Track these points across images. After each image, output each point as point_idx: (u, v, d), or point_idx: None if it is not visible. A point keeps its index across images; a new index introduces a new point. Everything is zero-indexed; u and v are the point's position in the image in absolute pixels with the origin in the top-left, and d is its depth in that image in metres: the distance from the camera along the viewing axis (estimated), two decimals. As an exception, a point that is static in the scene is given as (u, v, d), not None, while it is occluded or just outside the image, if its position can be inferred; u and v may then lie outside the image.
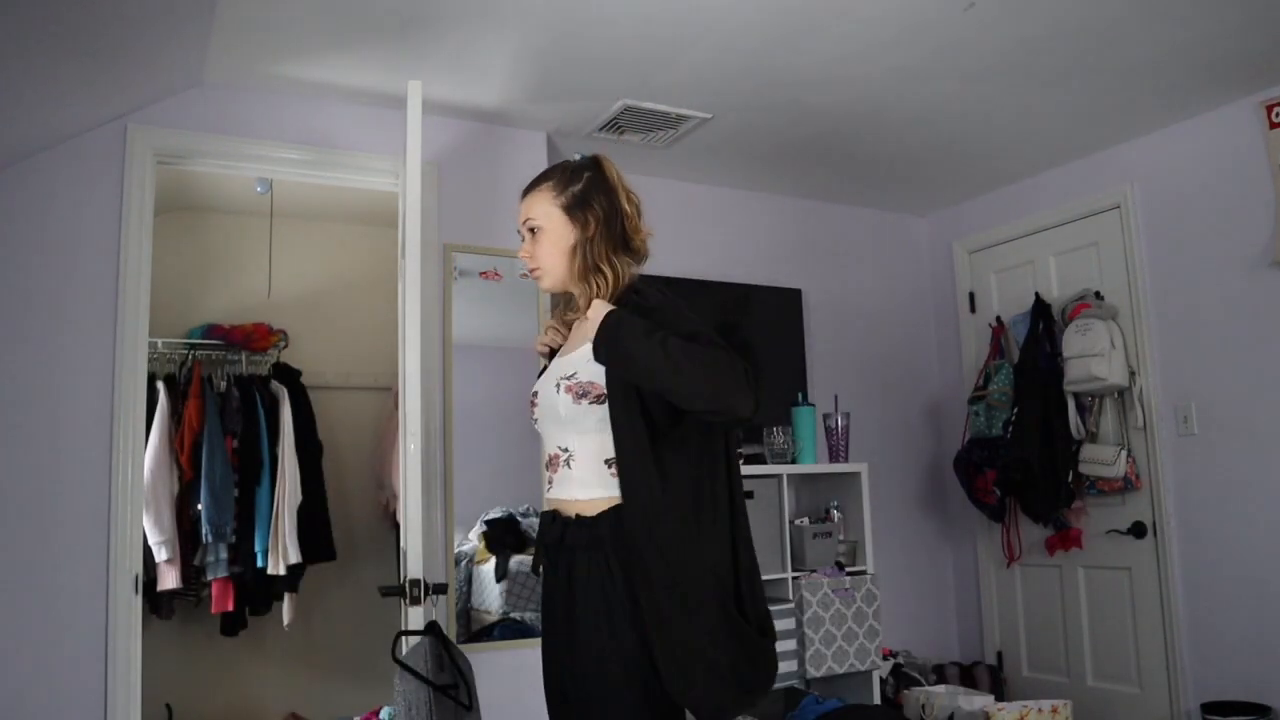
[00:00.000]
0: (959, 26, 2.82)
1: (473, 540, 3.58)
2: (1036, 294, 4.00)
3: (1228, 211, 3.44)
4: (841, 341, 4.39)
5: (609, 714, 1.61)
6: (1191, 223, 3.56)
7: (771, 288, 4.20)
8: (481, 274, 3.37)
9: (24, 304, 2.74)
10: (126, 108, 2.88)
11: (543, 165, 3.39)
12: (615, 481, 1.69)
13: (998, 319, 4.24)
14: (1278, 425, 3.28)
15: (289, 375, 4.05)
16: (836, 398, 3.97)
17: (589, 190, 1.80)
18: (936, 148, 3.82)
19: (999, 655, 4.24)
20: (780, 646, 3.40)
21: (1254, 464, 3.34)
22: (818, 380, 4.23)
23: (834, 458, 3.83)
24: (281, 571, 3.69)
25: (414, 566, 2.24)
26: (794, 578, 3.55)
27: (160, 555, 3.47)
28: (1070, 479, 3.75)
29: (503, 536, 3.56)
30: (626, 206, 1.82)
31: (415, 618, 2.20)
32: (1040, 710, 3.41)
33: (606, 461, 1.70)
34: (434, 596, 2.34)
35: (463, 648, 2.38)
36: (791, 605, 3.48)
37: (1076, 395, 3.76)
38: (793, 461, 3.72)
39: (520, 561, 3.46)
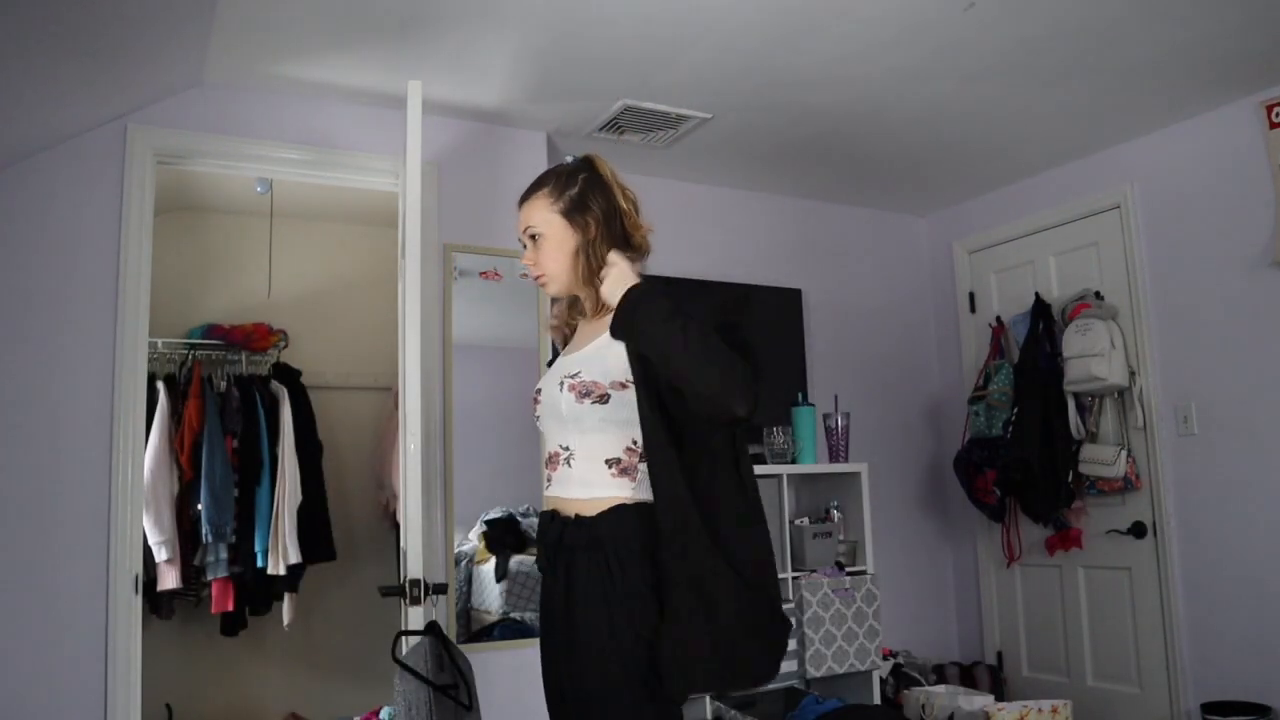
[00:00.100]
0: (959, 26, 2.82)
1: (473, 540, 3.58)
2: (1036, 294, 4.00)
3: (1228, 211, 3.44)
4: (841, 341, 4.40)
5: (608, 714, 1.61)
6: (1191, 223, 3.56)
7: (771, 288, 4.20)
8: (481, 274, 3.37)
9: (24, 304, 2.74)
10: (126, 108, 2.88)
11: (543, 165, 3.40)
12: (616, 481, 1.69)
13: (998, 319, 4.24)
14: (1278, 425, 3.28)
15: (289, 375, 4.04)
16: (836, 398, 3.97)
17: (586, 192, 1.80)
18: (936, 148, 3.82)
19: (999, 655, 4.24)
20: (780, 646, 3.43)
21: (1254, 464, 3.34)
22: (818, 380, 4.23)
23: (834, 458, 3.83)
24: (281, 571, 3.69)
25: (414, 566, 2.24)
26: (794, 578, 3.55)
27: (160, 555, 3.47)
28: (1070, 479, 3.75)
29: (503, 536, 3.56)
30: (623, 204, 1.82)
31: (415, 618, 2.20)
32: (1040, 710, 3.41)
33: (607, 461, 1.70)
34: (434, 596, 2.34)
35: (463, 648, 2.38)
36: (791, 605, 3.48)
37: (1076, 395, 3.76)
38: (793, 461, 3.72)
39: (520, 561, 3.46)
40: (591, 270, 1.78)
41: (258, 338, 4.07)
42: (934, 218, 4.70)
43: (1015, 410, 3.87)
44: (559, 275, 1.82)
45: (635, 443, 1.70)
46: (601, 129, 3.52)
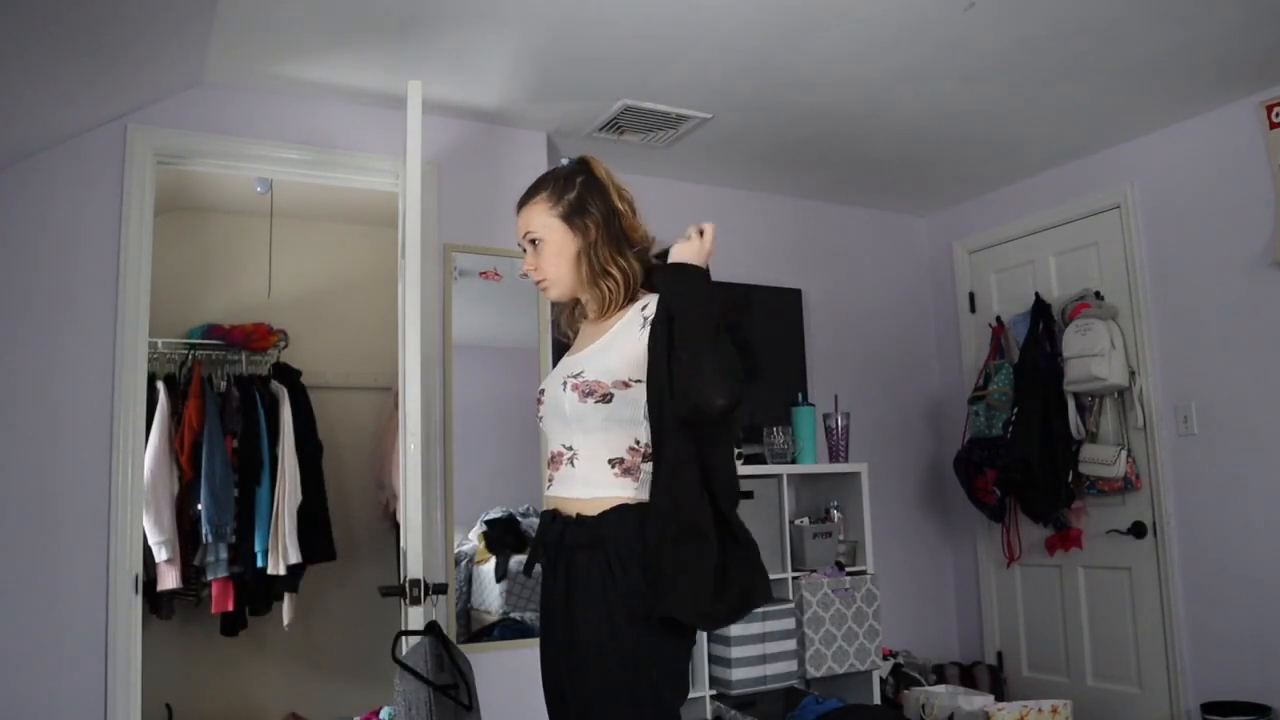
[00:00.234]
0: (959, 26, 2.82)
1: (473, 540, 3.58)
2: (1036, 294, 4.00)
3: (1228, 211, 3.44)
4: (841, 341, 4.39)
5: (608, 713, 1.62)
6: (1191, 223, 3.56)
7: (771, 288, 4.20)
8: (481, 274, 3.37)
9: (24, 304, 2.74)
10: (126, 108, 2.88)
11: (543, 165, 3.40)
12: (619, 481, 1.69)
13: (998, 319, 4.24)
14: (1278, 425, 3.28)
15: (289, 375, 4.04)
16: (836, 398, 3.97)
17: (584, 195, 1.81)
18: (936, 148, 3.82)
19: (999, 655, 4.24)
20: (780, 646, 3.44)
21: (1254, 464, 3.34)
22: (818, 380, 4.23)
23: (834, 458, 3.83)
24: (281, 571, 3.69)
25: (414, 566, 2.24)
26: (794, 578, 3.55)
27: (160, 555, 3.47)
28: (1070, 479, 3.75)
29: (503, 536, 3.56)
30: (620, 204, 1.83)
31: (415, 618, 2.20)
32: (1040, 710, 3.41)
33: (610, 461, 1.71)
34: (434, 596, 2.34)
35: (463, 648, 2.38)
36: (791, 605, 3.48)
37: (1076, 395, 3.76)
38: (793, 461, 3.72)
39: (520, 561, 3.46)
40: (594, 273, 1.79)
41: (258, 338, 4.07)
42: (934, 218, 4.70)
43: (1015, 410, 3.87)
44: (560, 279, 1.83)
45: (638, 442, 1.70)
46: (601, 129, 3.52)
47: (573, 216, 1.80)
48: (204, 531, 3.57)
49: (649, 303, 1.74)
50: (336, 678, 4.21)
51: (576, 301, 1.89)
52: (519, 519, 3.61)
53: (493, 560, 3.50)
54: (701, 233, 1.73)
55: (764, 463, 3.70)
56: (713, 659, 3.39)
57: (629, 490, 1.69)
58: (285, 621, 3.85)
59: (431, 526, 3.07)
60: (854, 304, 4.47)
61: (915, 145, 3.78)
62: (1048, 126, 3.62)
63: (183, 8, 2.50)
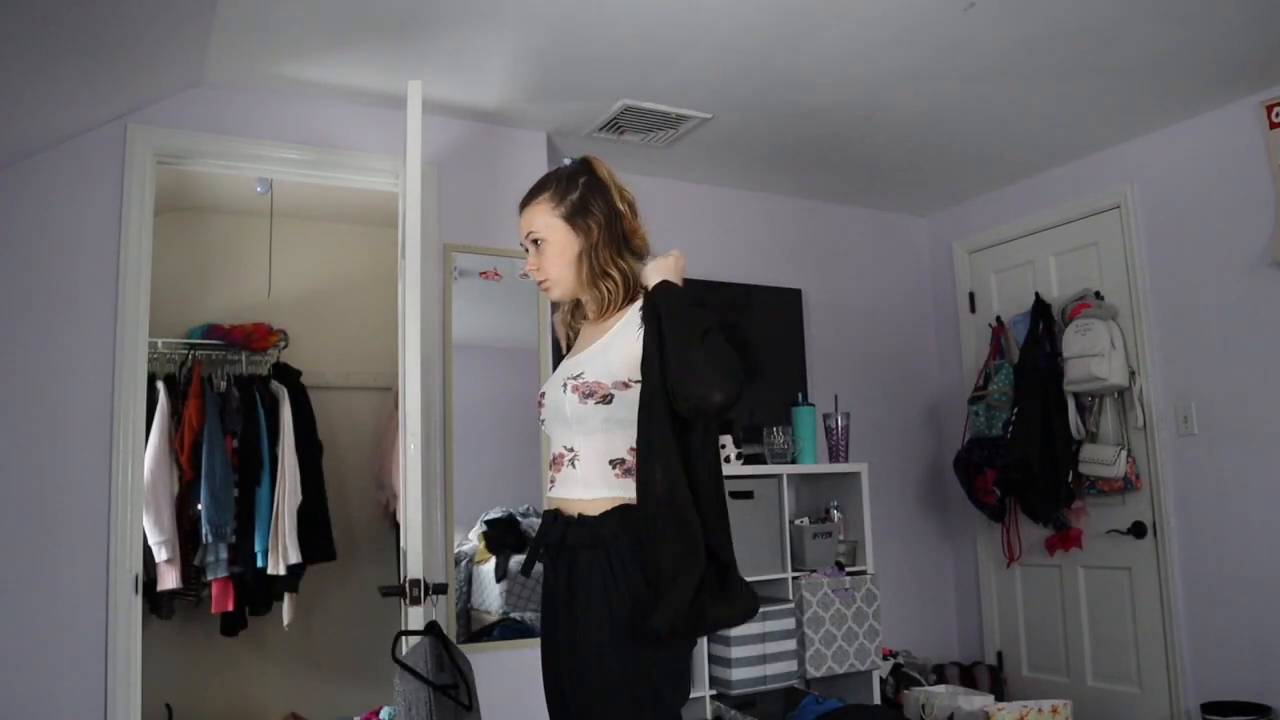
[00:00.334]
0: (959, 26, 2.82)
1: (473, 540, 3.58)
2: (1036, 294, 4.00)
3: (1228, 211, 3.43)
4: (841, 341, 4.39)
5: (609, 713, 1.62)
6: (1191, 223, 3.56)
7: (771, 288, 4.20)
8: (481, 274, 3.37)
9: (24, 304, 2.74)
10: (126, 108, 2.88)
11: (543, 165, 3.40)
12: (620, 482, 1.70)
13: (998, 319, 4.24)
14: (1278, 425, 3.28)
15: (289, 375, 4.04)
16: (836, 398, 3.97)
17: (587, 196, 1.81)
18: (936, 148, 3.82)
19: (999, 655, 4.24)
20: (780, 646, 3.44)
21: (1254, 464, 3.34)
22: (818, 380, 4.23)
23: (834, 458, 3.83)
24: (281, 571, 3.69)
25: (414, 566, 2.24)
26: (794, 578, 3.55)
27: (160, 555, 3.47)
28: (1070, 479, 3.75)
29: (503, 536, 3.56)
30: (621, 206, 1.83)
31: (415, 618, 2.20)
32: (1040, 710, 3.41)
33: (611, 462, 1.71)
34: (434, 596, 2.34)
35: (463, 648, 2.38)
36: (791, 605, 3.48)
37: (1076, 395, 3.76)
38: (793, 461, 3.72)
39: (520, 562, 3.46)
40: (594, 274, 1.79)
41: (258, 338, 4.07)
42: (934, 218, 4.70)
43: (1015, 410, 3.87)
44: (562, 280, 1.83)
45: None
46: (601, 129, 3.52)
47: (575, 217, 1.80)
48: (204, 531, 3.57)
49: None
50: (336, 678, 4.21)
51: (577, 302, 1.89)
52: (519, 519, 3.61)
53: (493, 560, 3.50)
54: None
55: (764, 463, 3.70)
56: (713, 659, 3.39)
57: (630, 491, 1.68)
58: (285, 621, 3.85)
59: (431, 526, 3.07)
60: (854, 304, 4.47)
61: (915, 145, 3.78)
62: (1048, 126, 3.62)
63: (183, 8, 2.50)
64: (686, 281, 1.78)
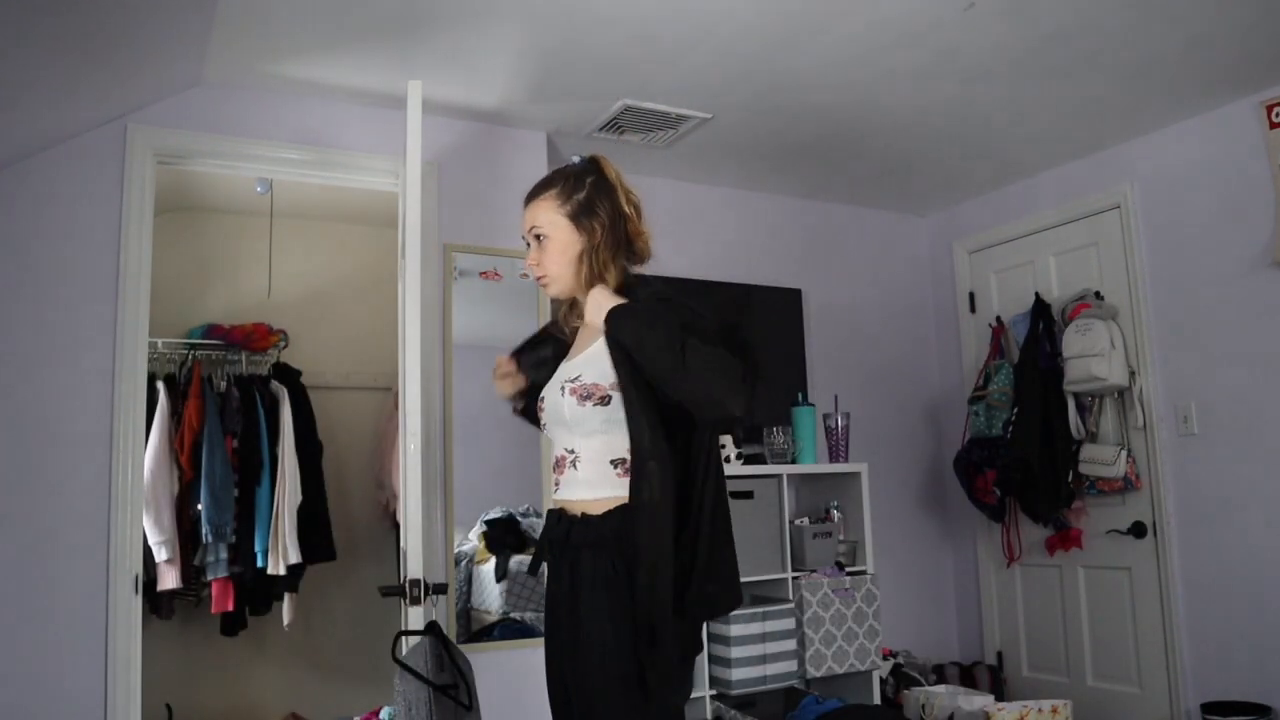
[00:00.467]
0: (959, 27, 2.82)
1: (473, 540, 3.58)
2: (1036, 294, 4.00)
3: (1228, 212, 3.43)
4: (841, 341, 4.39)
5: (611, 711, 1.62)
6: (1191, 223, 3.56)
7: (771, 288, 4.20)
8: (481, 274, 3.37)
9: (24, 304, 2.74)
10: (126, 107, 2.88)
11: (543, 165, 3.40)
12: (621, 482, 1.70)
13: (998, 319, 4.23)
14: (1278, 425, 3.28)
15: (289, 375, 4.04)
16: (836, 398, 3.97)
17: (593, 196, 1.80)
18: (937, 148, 3.82)
19: (999, 655, 4.24)
20: (780, 647, 3.44)
21: (1254, 464, 3.34)
22: (818, 380, 4.23)
23: (834, 458, 3.83)
24: (281, 571, 3.69)
25: (414, 566, 2.24)
26: (794, 578, 3.55)
27: (160, 555, 3.47)
28: (1070, 479, 3.75)
29: (503, 536, 3.56)
30: (627, 208, 1.83)
31: (415, 618, 2.20)
32: (1040, 710, 3.40)
33: (612, 462, 1.71)
34: (434, 596, 2.34)
35: (463, 648, 2.38)
36: (791, 605, 3.48)
37: (1076, 395, 3.76)
38: (793, 461, 3.72)
39: (520, 561, 3.46)
40: (594, 275, 1.79)
41: (258, 338, 4.07)
42: (934, 218, 4.70)
43: (1015, 410, 3.87)
44: (561, 277, 1.83)
45: None
46: (601, 129, 3.52)
47: (580, 216, 1.80)
48: (204, 531, 3.57)
49: None
50: (336, 678, 4.21)
51: (574, 301, 1.89)
52: (519, 519, 3.61)
53: (493, 560, 3.50)
54: None
55: (764, 463, 3.70)
56: (713, 659, 3.39)
57: (631, 490, 1.69)
58: (285, 621, 3.85)
59: (431, 526, 3.06)
60: (854, 304, 4.47)
61: (915, 146, 3.78)
62: (1048, 126, 3.62)
63: (183, 7, 2.50)
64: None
